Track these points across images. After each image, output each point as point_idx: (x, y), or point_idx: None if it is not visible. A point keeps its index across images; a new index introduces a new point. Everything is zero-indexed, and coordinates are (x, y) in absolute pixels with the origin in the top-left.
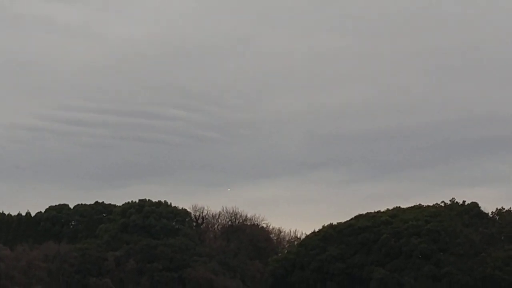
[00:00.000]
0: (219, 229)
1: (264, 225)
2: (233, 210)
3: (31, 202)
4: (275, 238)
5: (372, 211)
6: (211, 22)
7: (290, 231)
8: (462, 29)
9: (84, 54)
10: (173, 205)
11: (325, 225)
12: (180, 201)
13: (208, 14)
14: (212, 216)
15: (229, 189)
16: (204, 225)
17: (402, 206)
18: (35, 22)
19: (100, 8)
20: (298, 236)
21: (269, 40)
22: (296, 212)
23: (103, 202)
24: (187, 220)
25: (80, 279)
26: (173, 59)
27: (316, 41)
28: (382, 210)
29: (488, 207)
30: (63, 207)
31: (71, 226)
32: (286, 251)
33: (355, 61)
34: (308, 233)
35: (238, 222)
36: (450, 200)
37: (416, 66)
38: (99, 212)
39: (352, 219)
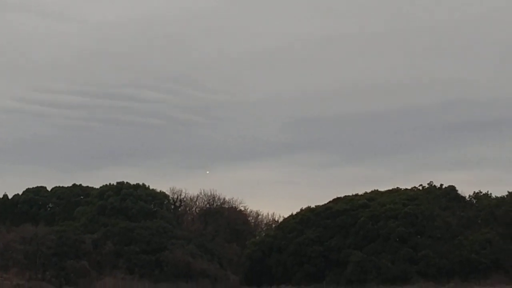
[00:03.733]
0: (197, 212)
1: (242, 208)
2: (211, 193)
3: (8, 184)
4: (253, 221)
5: (350, 194)
6: (190, 2)
7: (268, 214)
8: (444, 9)
9: (60, 36)
10: (151, 187)
11: (303, 208)
12: (158, 183)
13: None
14: (190, 199)
15: (207, 172)
16: (182, 208)
17: (380, 190)
18: (10, 3)
19: None
20: (276, 219)
21: (249, 21)
22: (274, 195)
23: (80, 184)
24: (165, 202)
25: (57, 262)
26: (151, 41)
27: (298, 23)
28: (360, 193)
29: (466, 191)
30: (41, 189)
31: (49, 209)
32: (263, 234)
33: (335, 44)
34: (286, 216)
35: (216, 205)
36: (428, 184)
37: (395, 49)
38: (76, 194)
39: (330, 202)
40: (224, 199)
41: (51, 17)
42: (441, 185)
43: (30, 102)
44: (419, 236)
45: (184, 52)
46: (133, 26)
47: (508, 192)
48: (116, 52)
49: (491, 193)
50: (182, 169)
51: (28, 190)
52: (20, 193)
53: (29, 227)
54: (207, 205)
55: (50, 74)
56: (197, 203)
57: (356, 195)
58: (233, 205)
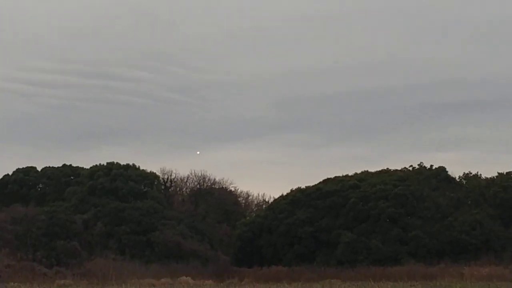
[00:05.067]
0: (188, 192)
1: (233, 189)
2: (201, 174)
3: None
4: (243, 201)
5: (340, 175)
6: None
7: (258, 195)
8: None
9: (47, 14)
10: (141, 168)
11: (293, 189)
12: (148, 164)
13: None
14: (181, 179)
15: (198, 152)
16: (172, 188)
17: (370, 170)
18: None
19: None
20: (266, 199)
21: (235, 0)
22: (264, 176)
23: (70, 165)
24: (155, 183)
25: (47, 242)
26: (137, 20)
27: (284, 1)
28: (350, 174)
29: (456, 171)
30: (31, 169)
31: (39, 189)
32: (254, 214)
33: (321, 22)
34: (276, 196)
35: (207, 185)
36: (418, 165)
37: (382, 27)
38: (66, 175)
39: (320, 182)
40: (214, 179)
41: None
42: (431, 166)
43: (16, 81)
44: (409, 217)
45: (170, 30)
46: (119, 4)
47: (498, 173)
48: (102, 30)
49: (480, 174)
50: (172, 149)
51: (18, 170)
52: (10, 173)
53: (19, 207)
54: (198, 186)
55: (35, 53)
56: (188, 184)
57: (346, 176)
58: (224, 186)
